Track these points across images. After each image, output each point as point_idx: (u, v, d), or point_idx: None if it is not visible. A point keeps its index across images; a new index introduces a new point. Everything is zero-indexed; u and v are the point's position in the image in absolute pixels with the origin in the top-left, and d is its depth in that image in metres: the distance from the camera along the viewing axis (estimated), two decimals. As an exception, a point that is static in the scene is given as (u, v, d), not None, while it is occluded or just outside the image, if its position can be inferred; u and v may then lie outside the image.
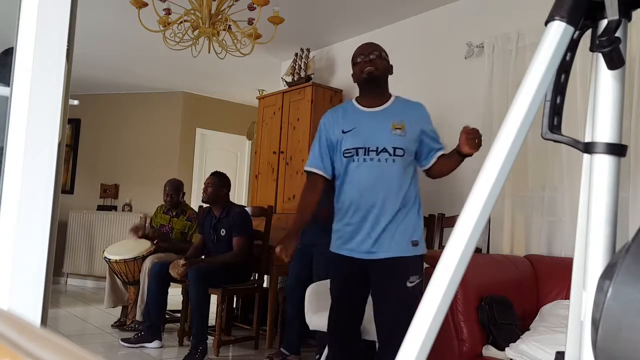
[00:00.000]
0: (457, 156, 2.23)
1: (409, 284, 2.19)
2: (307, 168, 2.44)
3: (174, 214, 4.70)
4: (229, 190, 4.16)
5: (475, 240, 0.66)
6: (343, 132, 2.34)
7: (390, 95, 2.40)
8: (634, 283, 0.52)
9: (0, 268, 0.86)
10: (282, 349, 3.67)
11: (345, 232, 2.32)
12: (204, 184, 4.09)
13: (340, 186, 2.37)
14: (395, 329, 2.16)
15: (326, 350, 3.12)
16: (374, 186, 2.24)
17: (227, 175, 4.20)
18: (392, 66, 2.44)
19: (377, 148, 2.25)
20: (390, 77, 2.46)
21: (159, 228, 4.69)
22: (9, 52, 0.91)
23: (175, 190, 4.70)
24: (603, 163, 0.69)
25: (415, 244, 2.25)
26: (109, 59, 5.81)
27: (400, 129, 2.26)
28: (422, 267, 2.28)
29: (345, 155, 2.31)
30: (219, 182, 4.05)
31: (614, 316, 0.53)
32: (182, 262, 3.87)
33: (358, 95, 2.45)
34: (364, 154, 2.27)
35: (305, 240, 3.65)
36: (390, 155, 2.25)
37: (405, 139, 2.27)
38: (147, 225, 4.97)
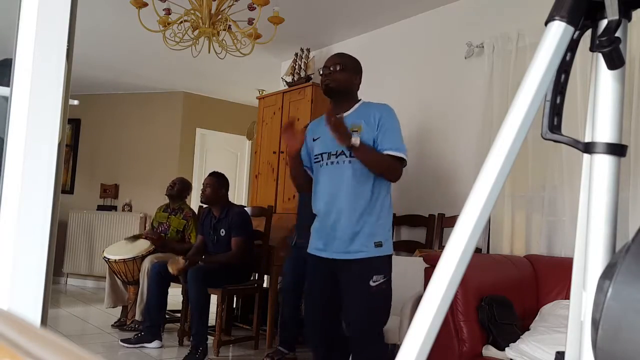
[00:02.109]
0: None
1: (372, 283, 2.26)
2: None
3: (172, 210, 4.70)
4: (228, 191, 4.16)
5: (475, 240, 0.66)
6: (313, 139, 2.50)
7: (356, 102, 2.46)
8: (634, 283, 0.52)
9: (0, 268, 0.86)
10: (280, 347, 3.69)
11: (316, 233, 2.45)
12: (203, 184, 4.09)
13: (313, 191, 2.49)
14: (363, 326, 2.29)
15: None
16: (335, 188, 2.36)
17: (226, 175, 4.19)
18: (359, 76, 2.49)
19: (337, 152, 2.37)
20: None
21: (157, 232, 4.67)
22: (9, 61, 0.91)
23: (181, 184, 4.73)
24: (603, 163, 0.69)
25: (378, 245, 2.30)
26: (109, 59, 5.81)
27: (356, 131, 2.34)
28: (388, 267, 2.33)
29: (315, 160, 2.48)
30: (217, 183, 4.05)
31: (614, 316, 0.53)
32: (181, 258, 3.87)
33: None
34: (327, 159, 2.41)
35: (302, 243, 3.66)
36: (346, 157, 2.34)
37: (361, 139, 2.32)
38: (147, 227, 4.97)
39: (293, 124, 2.37)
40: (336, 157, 2.38)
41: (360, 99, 2.49)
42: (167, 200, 4.84)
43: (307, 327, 2.50)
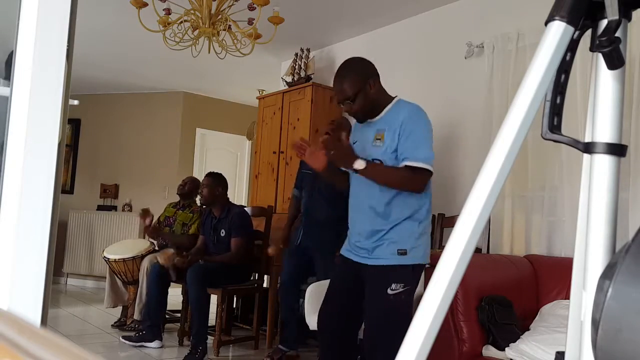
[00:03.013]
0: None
1: (389, 292, 2.16)
2: None
3: (181, 205, 4.73)
4: (226, 190, 4.15)
5: (475, 240, 0.66)
6: (353, 143, 2.37)
7: (387, 102, 2.30)
8: (634, 283, 0.52)
9: (0, 268, 0.86)
10: (280, 346, 3.69)
11: (349, 236, 2.40)
12: (200, 186, 4.10)
13: (349, 194, 2.43)
14: (375, 333, 2.20)
15: None
16: (361, 194, 2.29)
17: (225, 175, 4.20)
18: (375, 80, 2.28)
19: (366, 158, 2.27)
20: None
21: (157, 227, 4.68)
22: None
23: (193, 183, 4.77)
24: (603, 163, 0.69)
25: (402, 253, 2.20)
26: (109, 59, 5.81)
27: (379, 139, 2.23)
28: (411, 276, 2.21)
29: None
30: (213, 182, 4.06)
31: (614, 316, 0.53)
32: (171, 250, 3.89)
33: None
34: None
35: (306, 243, 3.65)
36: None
37: (381, 149, 2.22)
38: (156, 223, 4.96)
39: (302, 144, 2.27)
40: None
41: (395, 97, 2.32)
42: (174, 200, 4.89)
43: (320, 327, 2.43)
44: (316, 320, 3.03)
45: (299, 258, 3.68)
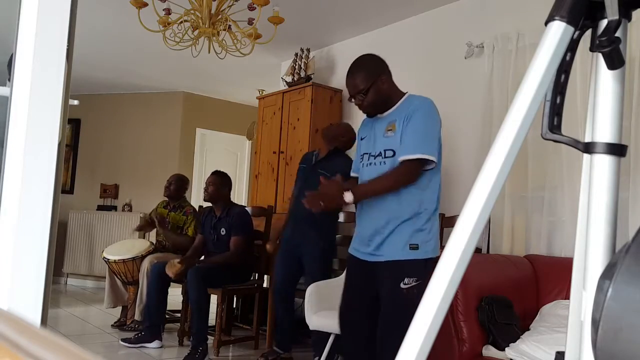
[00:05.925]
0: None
1: (402, 286, 2.17)
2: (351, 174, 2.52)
3: (172, 207, 4.71)
4: (230, 190, 4.17)
5: (475, 240, 0.66)
6: (361, 139, 2.45)
7: (399, 98, 2.34)
8: (634, 283, 0.52)
9: (0, 268, 0.86)
10: (275, 347, 3.69)
11: (356, 233, 2.40)
12: (205, 183, 4.10)
13: None
14: (388, 328, 2.20)
15: (326, 351, 3.13)
16: None
17: (228, 174, 4.20)
18: (386, 75, 2.34)
19: (376, 153, 2.32)
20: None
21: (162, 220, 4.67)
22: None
23: (177, 182, 4.72)
24: (603, 163, 0.69)
25: (413, 247, 2.21)
26: (109, 59, 5.81)
27: (391, 130, 2.27)
28: (424, 270, 2.21)
29: (361, 160, 2.42)
30: (220, 181, 4.06)
31: (614, 316, 0.53)
32: (177, 261, 3.88)
33: None
34: (368, 159, 2.35)
35: (292, 240, 3.65)
36: (382, 157, 2.28)
37: (394, 139, 2.25)
38: (147, 218, 4.95)
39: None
40: (375, 158, 2.30)
41: (405, 93, 2.37)
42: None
43: (341, 328, 2.43)
44: (317, 320, 3.03)
45: (289, 260, 3.67)
